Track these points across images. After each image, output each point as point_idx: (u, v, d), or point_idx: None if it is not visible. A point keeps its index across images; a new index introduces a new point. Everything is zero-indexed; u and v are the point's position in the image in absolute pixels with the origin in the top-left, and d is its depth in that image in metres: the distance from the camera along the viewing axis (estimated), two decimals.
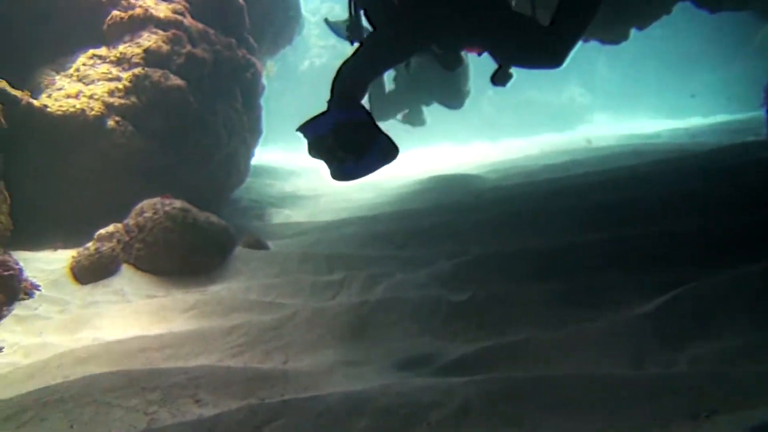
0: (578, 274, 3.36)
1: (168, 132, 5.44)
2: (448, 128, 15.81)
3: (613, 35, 6.51)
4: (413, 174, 9.33)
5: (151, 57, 5.52)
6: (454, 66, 3.97)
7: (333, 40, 17.75)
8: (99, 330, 3.36)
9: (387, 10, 3.47)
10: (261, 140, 7.55)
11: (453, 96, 6.79)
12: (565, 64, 3.32)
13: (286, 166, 10.76)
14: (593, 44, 8.93)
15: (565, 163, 7.25)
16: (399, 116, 6.93)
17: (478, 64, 4.70)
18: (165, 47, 5.62)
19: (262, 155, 8.10)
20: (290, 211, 7.11)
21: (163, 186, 5.28)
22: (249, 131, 6.70)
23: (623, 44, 7.00)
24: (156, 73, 5.45)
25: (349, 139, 3.19)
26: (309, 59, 17.50)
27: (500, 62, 3.67)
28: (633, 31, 6.64)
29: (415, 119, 7.98)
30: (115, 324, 3.42)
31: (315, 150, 3.26)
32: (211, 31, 6.24)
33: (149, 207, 4.32)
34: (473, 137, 15.74)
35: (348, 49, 3.69)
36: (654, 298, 2.78)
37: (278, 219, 6.64)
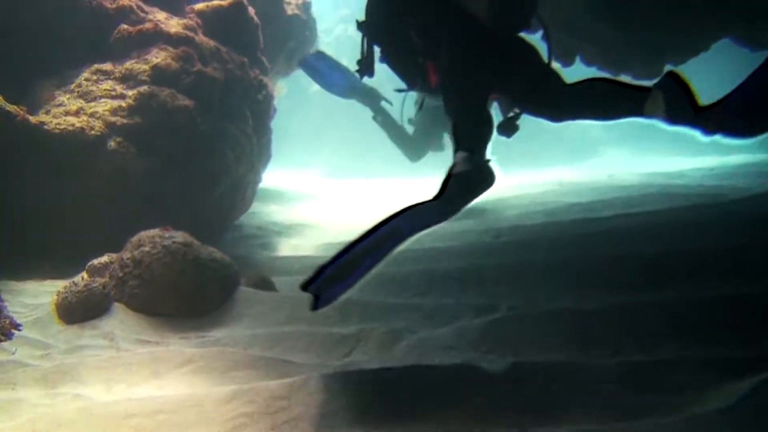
0: (627, 345, 2.97)
1: (173, 155, 5.08)
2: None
3: (648, 70, 6.17)
4: None
5: (158, 75, 5.17)
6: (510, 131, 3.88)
7: (345, 61, 17.52)
8: (82, 384, 2.95)
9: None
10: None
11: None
12: None
13: (293, 190, 10.40)
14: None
15: (591, 203, 6.86)
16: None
17: None
18: (174, 65, 5.28)
19: (268, 177, 7.73)
20: (297, 240, 6.72)
21: (166, 212, 4.93)
22: (258, 156, 6.33)
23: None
24: (163, 92, 5.10)
25: None
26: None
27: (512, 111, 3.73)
28: (667, 67, 6.32)
29: (437, 145, 7.93)
30: (101, 377, 3.01)
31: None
32: (224, 50, 5.91)
33: (148, 240, 3.94)
34: None
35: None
36: (727, 382, 2.39)
37: (284, 250, 6.25)
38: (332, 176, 14.75)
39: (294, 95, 14.98)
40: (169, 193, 5.09)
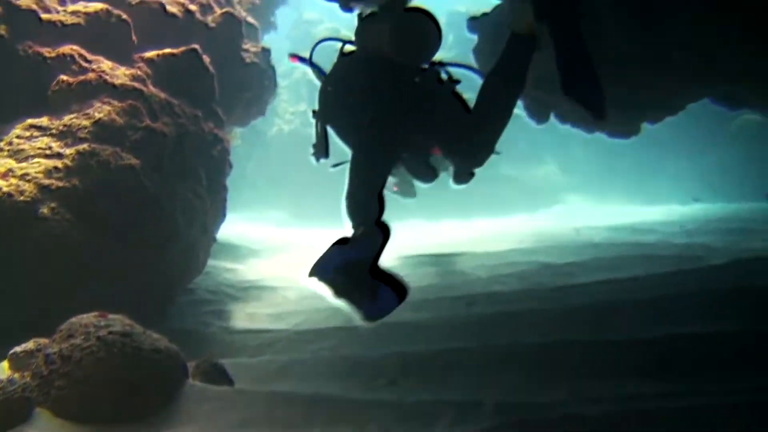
0: None
1: (117, 222, 4.54)
2: (418, 202, 15.14)
3: (625, 128, 5.92)
4: (387, 260, 8.52)
5: (101, 131, 4.65)
6: (427, 177, 4.13)
7: (304, 105, 17.13)
8: None
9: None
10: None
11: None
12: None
13: (249, 243, 9.84)
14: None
15: (565, 266, 6.52)
16: (393, 188, 6.61)
17: None
18: (119, 120, 4.78)
19: (223, 227, 7.20)
20: (253, 307, 6.17)
21: (108, 282, 4.40)
22: (212, 217, 5.83)
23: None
24: (106, 151, 4.58)
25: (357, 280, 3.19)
26: (278, 125, 16.78)
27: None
28: (645, 125, 6.08)
29: (407, 191, 7.68)
30: None
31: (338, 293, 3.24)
32: (176, 102, 5.44)
33: (80, 329, 3.38)
34: (444, 214, 15.07)
35: None
36: None
37: (239, 320, 5.70)
38: (292, 225, 14.23)
39: (250, 139, 14.49)
40: (112, 262, 4.54)
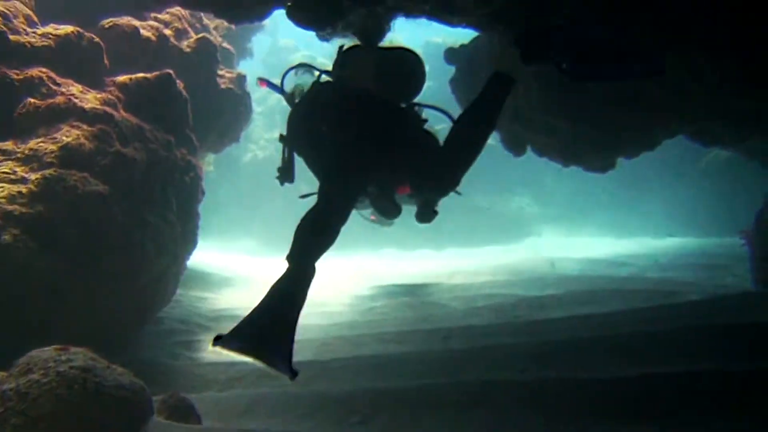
0: None
1: (83, 250, 4.38)
2: (392, 231, 15.06)
3: (600, 163, 5.93)
4: (361, 288, 8.43)
5: (69, 156, 4.51)
6: (390, 214, 4.10)
7: (278, 132, 17.01)
8: None
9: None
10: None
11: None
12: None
13: (220, 270, 9.67)
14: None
15: (540, 299, 6.48)
16: (370, 216, 6.58)
17: None
18: (88, 145, 4.65)
19: (194, 255, 7.05)
20: None
21: (74, 312, 4.24)
22: (182, 245, 5.69)
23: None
24: (73, 176, 4.44)
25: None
26: (252, 151, 16.66)
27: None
28: (620, 160, 6.11)
29: (384, 220, 7.60)
30: None
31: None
32: (147, 127, 5.33)
33: (39, 364, 3.22)
34: (418, 244, 15.03)
35: None
36: None
37: (209, 351, 5.54)
38: (263, 253, 14.05)
39: (223, 165, 14.34)
40: (78, 293, 4.37)
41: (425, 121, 3.91)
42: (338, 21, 4.42)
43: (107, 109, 4.96)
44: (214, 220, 13.80)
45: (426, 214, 3.98)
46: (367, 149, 3.60)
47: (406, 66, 3.84)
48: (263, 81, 4.61)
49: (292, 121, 3.99)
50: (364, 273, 10.09)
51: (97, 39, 5.41)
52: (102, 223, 4.51)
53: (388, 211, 4.13)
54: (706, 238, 12.84)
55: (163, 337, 5.78)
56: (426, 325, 5.90)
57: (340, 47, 4.01)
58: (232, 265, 10.84)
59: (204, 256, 10.32)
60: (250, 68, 9.69)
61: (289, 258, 3.21)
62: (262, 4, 4.97)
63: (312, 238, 3.30)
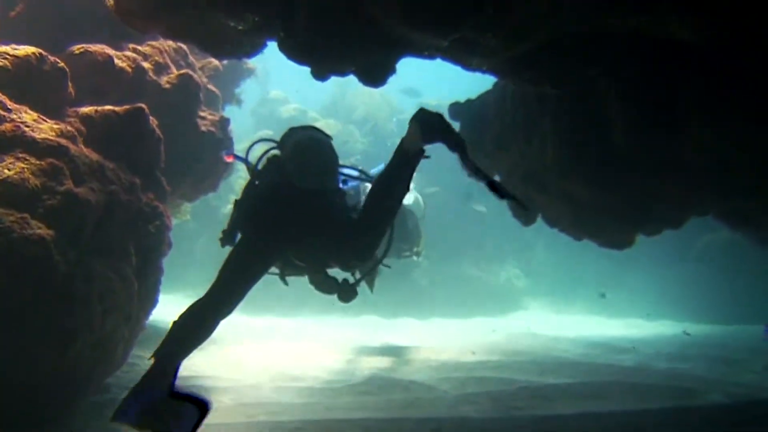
0: None
1: (13, 304, 3.62)
2: (375, 298, 14.29)
3: (619, 238, 5.31)
4: (341, 362, 7.64)
5: (8, 192, 3.80)
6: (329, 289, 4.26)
7: None
8: None
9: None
10: (159, 296, 5.83)
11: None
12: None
13: None
14: (533, 229, 7.81)
15: (542, 388, 5.73)
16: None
17: None
18: (33, 181, 3.94)
19: (163, 309, 6.27)
20: None
21: None
22: (139, 303, 4.92)
23: (562, 233, 5.88)
24: (10, 217, 3.71)
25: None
26: (233, 202, 15.95)
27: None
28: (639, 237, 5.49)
29: (371, 282, 7.30)
30: None
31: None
32: (110, 165, 4.65)
33: None
34: (401, 311, 14.24)
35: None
36: None
37: None
38: (241, 311, 13.16)
39: (202, 215, 13.59)
40: (1, 356, 3.60)
41: (344, 194, 4.15)
42: (345, 58, 3.83)
43: (62, 141, 4.28)
44: (189, 274, 13.00)
45: (348, 293, 4.13)
46: (280, 243, 4.01)
47: (321, 156, 4.07)
48: (230, 155, 4.85)
49: (247, 191, 4.24)
50: (344, 343, 9.28)
51: (61, 64, 4.77)
52: (40, 274, 3.76)
53: (327, 288, 4.28)
54: (705, 324, 12.25)
55: (106, 409, 4.90)
56: (414, 412, 5.12)
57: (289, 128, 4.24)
58: None
59: (173, 312, 9.46)
60: (239, 117, 9.16)
61: (155, 354, 3.54)
62: (251, 37, 4.38)
63: (184, 342, 3.68)
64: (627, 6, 3.14)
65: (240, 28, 4.02)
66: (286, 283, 4.74)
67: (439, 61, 4.01)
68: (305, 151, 4.01)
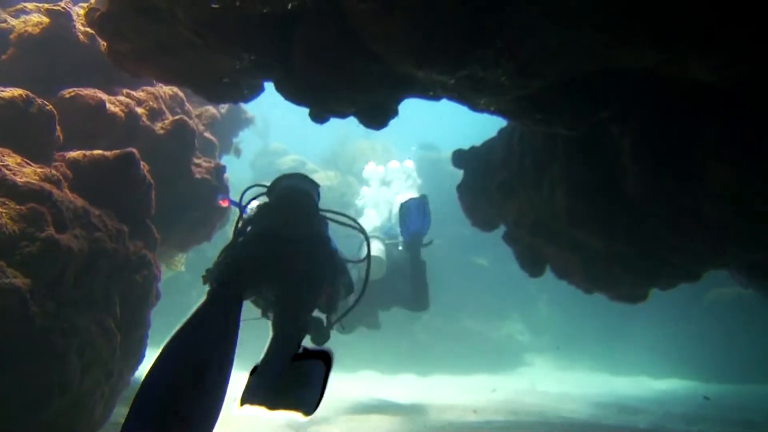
0: None
1: None
2: (373, 354, 13.84)
3: (633, 292, 5.02)
4: (340, 420, 7.25)
5: None
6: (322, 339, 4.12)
7: None
8: None
9: None
10: (147, 348, 5.50)
11: (419, 296, 7.18)
12: None
13: None
14: (536, 282, 7.49)
15: None
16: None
17: None
18: (12, 226, 3.71)
19: (147, 362, 5.93)
20: None
21: None
22: (123, 359, 4.62)
23: (565, 286, 5.58)
24: None
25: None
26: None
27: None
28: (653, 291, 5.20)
29: (371, 322, 7.65)
30: None
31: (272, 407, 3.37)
32: (96, 212, 4.41)
33: None
34: (401, 367, 13.79)
35: None
36: None
37: None
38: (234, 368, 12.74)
39: (197, 266, 13.30)
40: None
41: (327, 239, 4.30)
42: (345, 99, 3.63)
43: (46, 185, 4.05)
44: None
45: (320, 335, 4.07)
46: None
47: (296, 207, 4.20)
48: (225, 199, 5.05)
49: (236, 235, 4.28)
50: (343, 400, 8.87)
51: (49, 107, 4.59)
52: (13, 327, 3.48)
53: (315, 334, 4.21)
54: (715, 383, 11.82)
55: None
56: None
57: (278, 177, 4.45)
58: None
59: None
60: (238, 169, 8.96)
61: None
62: (247, 77, 4.20)
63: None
64: (643, 42, 2.95)
65: (237, 66, 3.84)
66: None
67: (454, 115, 3.88)
68: (282, 200, 4.21)
